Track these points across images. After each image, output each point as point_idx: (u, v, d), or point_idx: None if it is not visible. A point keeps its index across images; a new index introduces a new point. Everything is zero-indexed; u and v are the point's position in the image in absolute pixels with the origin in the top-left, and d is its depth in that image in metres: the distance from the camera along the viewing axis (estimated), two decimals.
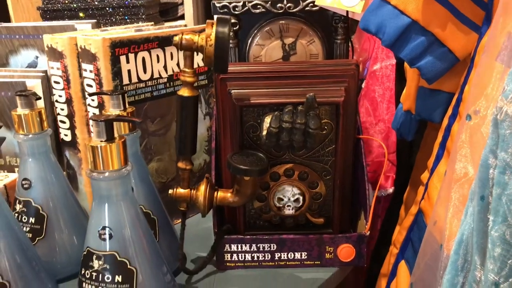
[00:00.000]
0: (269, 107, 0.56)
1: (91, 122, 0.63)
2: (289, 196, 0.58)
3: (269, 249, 0.59)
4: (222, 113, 0.57)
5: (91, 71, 0.60)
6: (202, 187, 0.55)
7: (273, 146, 0.55)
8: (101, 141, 0.44)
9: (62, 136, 0.66)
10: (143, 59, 0.62)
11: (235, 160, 0.53)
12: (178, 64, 0.67)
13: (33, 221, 0.56)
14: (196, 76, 0.51)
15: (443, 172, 0.55)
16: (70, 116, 0.64)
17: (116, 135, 0.45)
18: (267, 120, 0.55)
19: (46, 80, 0.65)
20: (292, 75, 0.56)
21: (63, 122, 0.65)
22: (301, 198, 0.58)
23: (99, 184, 0.45)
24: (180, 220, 0.59)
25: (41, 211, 0.56)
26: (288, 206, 0.58)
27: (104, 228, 0.45)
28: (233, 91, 0.55)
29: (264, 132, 0.55)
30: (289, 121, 0.51)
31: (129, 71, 0.61)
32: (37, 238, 0.56)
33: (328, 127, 0.56)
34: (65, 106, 0.64)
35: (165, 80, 0.65)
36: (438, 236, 0.47)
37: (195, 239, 0.65)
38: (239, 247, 0.59)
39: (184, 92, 0.51)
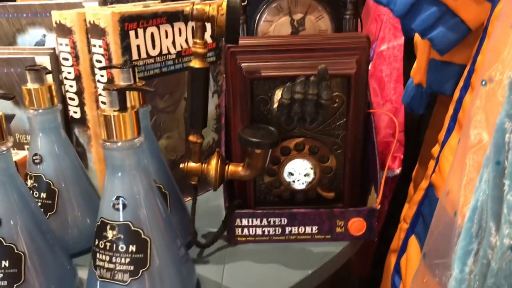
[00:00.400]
0: (280, 80, 0.55)
1: (100, 98, 0.63)
2: (299, 170, 0.58)
3: (280, 223, 0.59)
4: (232, 88, 0.56)
5: (100, 46, 0.60)
6: (213, 161, 0.55)
7: (284, 118, 0.54)
8: (114, 111, 0.43)
9: (71, 113, 0.66)
10: (152, 34, 0.62)
11: (246, 133, 0.53)
12: (186, 40, 0.66)
13: (44, 196, 0.57)
14: (207, 47, 0.51)
15: (455, 144, 0.55)
16: (79, 92, 0.64)
17: (128, 105, 0.45)
18: (278, 93, 0.55)
19: (54, 57, 0.65)
20: (302, 48, 0.55)
21: (72, 99, 0.65)
22: (311, 172, 0.58)
23: (112, 154, 0.45)
24: (189, 198, 0.59)
25: (52, 186, 0.57)
26: (298, 180, 0.58)
27: (117, 198, 0.45)
28: (243, 64, 0.55)
29: (275, 105, 0.54)
30: (301, 92, 0.51)
31: (138, 46, 0.61)
32: (48, 213, 0.57)
33: (339, 100, 0.56)
34: (74, 83, 0.64)
35: (174, 56, 0.65)
36: (450, 206, 0.47)
37: (205, 216, 0.65)
38: (250, 221, 0.59)
39: (195, 63, 0.51)
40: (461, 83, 0.55)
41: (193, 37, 0.67)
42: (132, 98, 0.54)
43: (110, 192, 0.45)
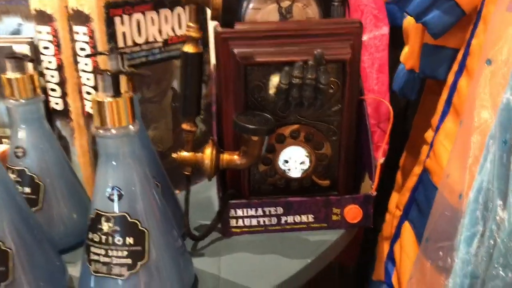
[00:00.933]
0: (274, 66, 0.54)
1: (84, 88, 0.60)
2: (295, 158, 0.57)
3: (275, 212, 0.58)
4: (224, 75, 0.55)
5: (84, 34, 0.57)
6: (208, 150, 0.53)
7: (281, 104, 0.53)
8: (108, 96, 0.41)
9: (52, 105, 0.63)
10: (138, 21, 0.60)
11: (241, 120, 0.51)
12: (173, 29, 0.64)
13: (28, 191, 0.54)
14: (201, 31, 0.49)
15: (450, 128, 0.55)
16: (61, 83, 0.61)
17: (122, 90, 0.42)
18: (274, 78, 0.53)
19: (33, 46, 0.62)
20: (296, 34, 0.54)
21: (54, 90, 0.62)
22: (307, 160, 0.57)
23: (105, 142, 0.42)
24: (178, 191, 0.57)
25: (36, 180, 0.54)
26: (295, 168, 0.57)
27: (113, 188, 0.43)
28: (236, 50, 0.53)
29: (271, 91, 0.53)
30: (299, 77, 0.50)
31: (124, 33, 0.59)
32: (33, 209, 0.54)
33: (334, 86, 0.55)
34: (55, 73, 0.61)
35: (160, 44, 0.63)
36: (451, 189, 0.47)
37: (196, 208, 0.62)
38: (245, 211, 0.57)
39: (189, 48, 0.49)
40: (455, 67, 0.55)
41: (179, 25, 0.65)
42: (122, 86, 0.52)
43: (104, 182, 0.43)
